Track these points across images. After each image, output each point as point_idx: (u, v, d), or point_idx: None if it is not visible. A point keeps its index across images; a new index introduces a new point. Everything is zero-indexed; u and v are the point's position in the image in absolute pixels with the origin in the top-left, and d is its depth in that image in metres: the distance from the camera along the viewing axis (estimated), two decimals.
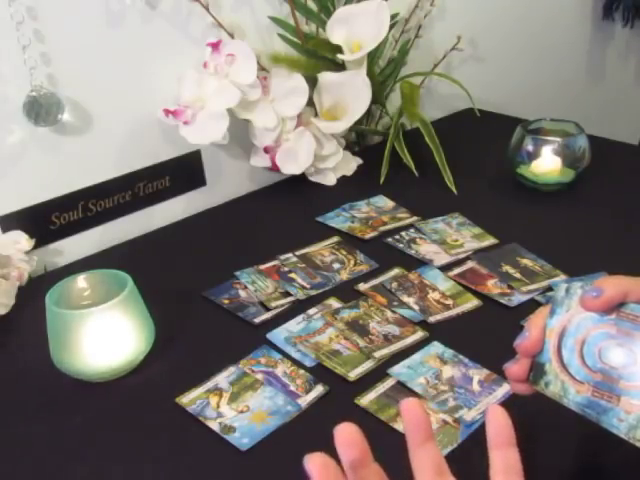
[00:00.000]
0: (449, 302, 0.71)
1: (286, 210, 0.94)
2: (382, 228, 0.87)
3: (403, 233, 0.85)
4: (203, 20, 0.89)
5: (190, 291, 0.75)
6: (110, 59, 0.83)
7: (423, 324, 0.68)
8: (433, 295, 0.73)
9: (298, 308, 0.72)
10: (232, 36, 0.90)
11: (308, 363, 0.64)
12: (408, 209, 0.91)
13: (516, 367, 0.45)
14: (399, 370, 0.62)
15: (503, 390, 0.59)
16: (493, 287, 0.74)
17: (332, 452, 0.54)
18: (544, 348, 0.42)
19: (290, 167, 0.94)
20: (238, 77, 0.85)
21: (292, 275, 0.77)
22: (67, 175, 0.84)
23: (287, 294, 0.74)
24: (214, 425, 0.57)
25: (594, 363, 0.40)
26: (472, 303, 0.71)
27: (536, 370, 0.43)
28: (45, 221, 0.83)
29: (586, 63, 1.63)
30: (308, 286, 0.75)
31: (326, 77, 0.95)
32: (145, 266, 0.77)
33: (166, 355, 0.66)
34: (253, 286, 0.75)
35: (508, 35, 1.38)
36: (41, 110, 0.76)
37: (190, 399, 0.60)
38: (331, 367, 0.63)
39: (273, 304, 0.72)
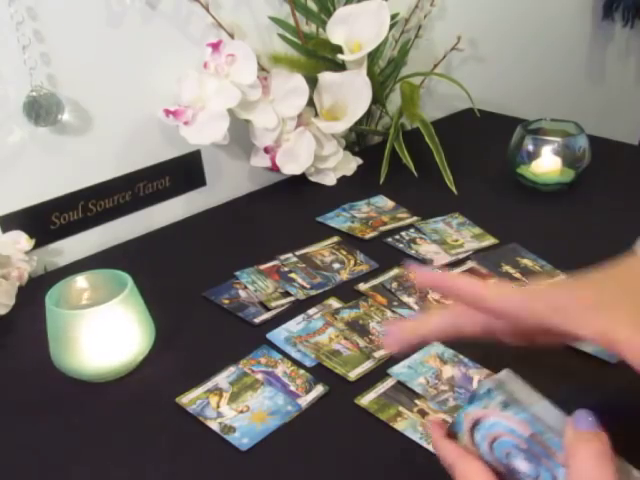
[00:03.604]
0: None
1: (286, 210, 0.94)
2: (382, 228, 0.87)
3: (403, 233, 0.85)
4: (203, 20, 0.89)
5: (190, 291, 0.75)
6: (110, 59, 0.83)
7: None
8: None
9: (298, 308, 0.72)
10: (232, 36, 0.90)
11: (308, 363, 0.64)
12: (408, 209, 0.91)
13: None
14: (399, 370, 0.62)
15: None
16: None
17: (332, 452, 0.55)
18: (457, 420, 0.42)
19: (290, 167, 0.94)
20: (238, 77, 0.85)
21: (292, 275, 0.77)
22: (67, 175, 0.84)
23: (287, 294, 0.74)
24: (214, 425, 0.57)
25: (501, 458, 0.40)
26: None
27: (452, 427, 0.43)
28: (45, 221, 0.83)
29: (586, 63, 1.64)
30: (308, 286, 0.75)
31: (326, 77, 0.95)
32: (145, 266, 0.77)
33: (166, 355, 0.66)
34: (253, 286, 0.75)
35: (508, 35, 1.38)
36: (41, 110, 0.76)
37: (190, 399, 0.60)
38: (331, 367, 0.63)
39: (273, 304, 0.72)
